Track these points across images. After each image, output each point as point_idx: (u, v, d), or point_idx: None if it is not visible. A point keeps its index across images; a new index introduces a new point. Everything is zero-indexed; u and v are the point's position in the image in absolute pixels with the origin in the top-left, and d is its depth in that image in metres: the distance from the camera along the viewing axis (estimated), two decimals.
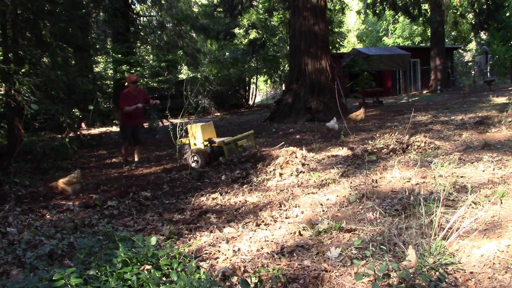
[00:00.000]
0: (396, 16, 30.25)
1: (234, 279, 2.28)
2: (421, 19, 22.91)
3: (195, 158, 6.03)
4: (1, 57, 8.14)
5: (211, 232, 3.24)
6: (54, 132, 8.52)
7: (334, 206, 3.52)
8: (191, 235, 3.22)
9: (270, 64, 21.35)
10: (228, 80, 20.46)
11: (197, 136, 6.23)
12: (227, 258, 2.63)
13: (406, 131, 6.06)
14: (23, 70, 7.18)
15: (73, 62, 10.66)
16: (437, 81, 20.71)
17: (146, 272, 2.10)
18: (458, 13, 24.44)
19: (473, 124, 6.97)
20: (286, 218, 3.39)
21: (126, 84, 7.32)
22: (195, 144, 6.25)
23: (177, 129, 6.07)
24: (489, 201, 3.05)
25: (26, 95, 6.96)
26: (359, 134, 7.48)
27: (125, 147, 7.17)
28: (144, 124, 7.38)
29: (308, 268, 2.38)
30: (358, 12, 36.43)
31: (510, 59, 21.86)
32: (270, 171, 5.02)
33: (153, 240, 2.43)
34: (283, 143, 6.52)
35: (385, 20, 35.10)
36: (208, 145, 6.18)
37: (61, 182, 4.91)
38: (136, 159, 7.17)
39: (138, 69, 17.01)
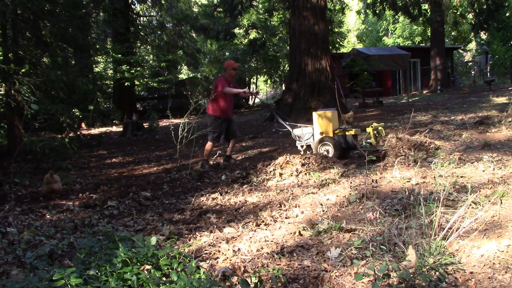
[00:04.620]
0: (396, 16, 30.23)
1: (234, 279, 2.28)
2: (421, 19, 22.89)
3: (326, 147, 5.54)
4: (1, 57, 8.15)
5: (211, 232, 3.24)
6: (54, 132, 8.53)
7: (334, 206, 3.52)
8: (191, 235, 3.22)
9: (270, 64, 21.34)
10: None
11: (326, 124, 5.68)
12: (227, 258, 2.63)
13: (406, 131, 6.05)
14: (23, 70, 7.19)
15: (73, 62, 10.68)
16: (437, 81, 20.70)
17: (146, 272, 2.10)
18: (458, 13, 24.43)
19: (473, 124, 6.97)
20: (286, 218, 3.39)
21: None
22: (321, 133, 5.70)
23: (180, 128, 6.06)
24: (489, 201, 3.04)
25: (26, 95, 6.97)
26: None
27: (213, 144, 6.26)
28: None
29: (308, 268, 2.38)
30: (358, 12, 36.41)
31: (510, 59, 21.86)
32: (270, 171, 5.02)
33: (153, 240, 2.43)
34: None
35: (385, 20, 35.10)
36: (341, 133, 5.60)
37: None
38: (228, 153, 6.40)
39: (138, 69, 17.01)
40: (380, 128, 5.56)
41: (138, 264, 2.20)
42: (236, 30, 23.73)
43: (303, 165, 4.99)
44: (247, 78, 22.81)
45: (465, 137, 6.02)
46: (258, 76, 23.26)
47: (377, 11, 22.70)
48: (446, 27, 24.37)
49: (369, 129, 5.45)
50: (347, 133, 5.55)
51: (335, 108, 6.26)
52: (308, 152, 5.57)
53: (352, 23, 39.69)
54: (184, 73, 30.23)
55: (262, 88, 32.40)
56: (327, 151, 5.52)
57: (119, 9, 15.74)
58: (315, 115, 5.78)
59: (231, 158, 6.33)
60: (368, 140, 5.57)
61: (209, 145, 6.18)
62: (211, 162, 6.39)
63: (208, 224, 3.48)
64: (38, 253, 2.67)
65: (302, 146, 5.98)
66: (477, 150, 5.07)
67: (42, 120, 6.68)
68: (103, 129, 14.90)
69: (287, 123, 6.14)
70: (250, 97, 21.20)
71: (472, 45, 35.82)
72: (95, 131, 14.37)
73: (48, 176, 4.86)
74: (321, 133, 5.68)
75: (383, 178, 4.15)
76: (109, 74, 19.73)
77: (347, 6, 24.37)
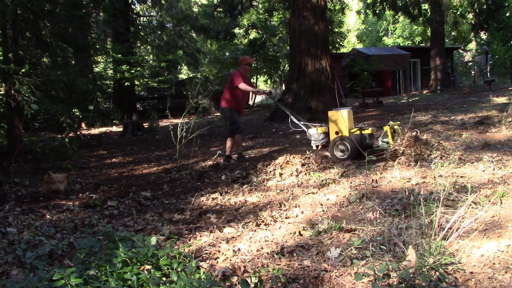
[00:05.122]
0: (396, 16, 30.25)
1: (234, 279, 2.28)
2: (421, 19, 22.91)
3: (342, 147, 5.39)
4: (1, 57, 8.15)
5: (211, 232, 3.24)
6: (54, 132, 8.53)
7: (334, 206, 3.52)
8: (191, 235, 3.22)
9: (270, 64, 21.33)
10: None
11: (341, 123, 5.53)
12: (227, 258, 2.63)
13: (406, 131, 6.05)
14: (23, 70, 7.19)
15: (73, 62, 10.68)
16: (437, 81, 20.71)
17: (146, 272, 2.10)
18: (458, 13, 24.44)
19: (473, 124, 6.97)
20: (286, 218, 3.39)
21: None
22: (337, 133, 5.55)
23: (178, 128, 6.05)
24: (489, 201, 3.04)
25: (26, 95, 6.97)
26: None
27: (240, 134, 6.20)
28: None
29: (308, 268, 2.38)
30: (358, 12, 36.42)
31: (510, 59, 21.87)
32: (270, 171, 5.02)
33: (153, 240, 2.43)
34: None
35: (385, 20, 35.12)
36: (357, 133, 5.43)
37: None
38: (228, 153, 6.31)
39: (138, 69, 17.00)
40: (396, 127, 5.44)
41: (138, 264, 2.20)
42: (236, 30, 23.73)
43: (303, 165, 4.99)
44: None
45: (465, 137, 6.02)
46: (258, 76, 23.25)
47: (377, 11, 22.71)
48: (446, 27, 24.38)
49: (386, 128, 5.34)
50: (363, 132, 5.44)
51: (350, 107, 6.16)
52: (308, 152, 5.56)
53: (352, 23, 39.69)
54: (184, 73, 30.23)
55: (261, 88, 32.42)
56: (343, 151, 5.41)
57: (119, 9, 15.75)
58: (330, 114, 5.64)
59: (231, 158, 6.33)
60: (384, 139, 5.48)
61: (237, 137, 6.14)
62: (212, 161, 6.38)
63: (208, 224, 3.48)
64: (38, 253, 2.67)
65: (317, 146, 5.90)
66: (477, 150, 5.07)
67: (42, 120, 6.69)
68: (103, 129, 14.90)
69: (302, 122, 6.03)
70: (251, 96, 21.25)
71: (472, 45, 35.82)
72: (95, 131, 14.37)
73: (46, 176, 4.87)
74: (337, 133, 5.55)
75: (383, 178, 4.15)
76: (109, 74, 19.73)
77: (347, 6, 24.38)
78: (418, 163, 4.38)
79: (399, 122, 5.73)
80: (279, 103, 6.23)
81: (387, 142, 5.34)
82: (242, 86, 5.87)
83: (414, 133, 4.94)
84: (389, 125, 5.31)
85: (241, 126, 6.18)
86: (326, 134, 5.76)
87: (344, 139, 5.41)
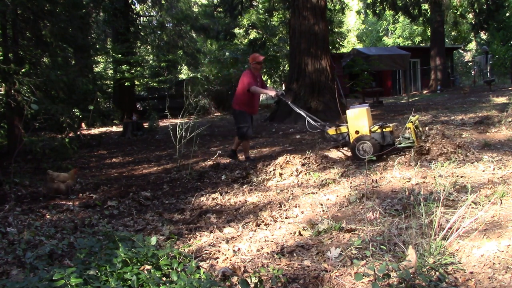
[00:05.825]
0: (396, 16, 30.28)
1: (234, 279, 2.28)
2: (421, 19, 22.92)
3: (365, 146, 5.18)
4: (1, 57, 8.15)
5: (211, 232, 3.24)
6: (54, 132, 8.53)
7: (334, 206, 3.53)
8: (191, 235, 3.22)
9: (270, 64, 21.35)
10: (228, 80, 20.50)
11: (361, 122, 5.30)
12: (227, 258, 2.63)
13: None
14: (23, 70, 7.18)
15: (73, 62, 10.68)
16: (437, 81, 20.72)
17: (146, 272, 2.10)
18: (458, 13, 24.45)
19: (473, 124, 6.97)
20: (286, 218, 3.40)
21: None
22: (357, 132, 5.32)
23: (177, 128, 6.05)
24: (489, 201, 3.04)
25: (26, 95, 6.97)
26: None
27: (246, 141, 6.15)
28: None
29: (308, 268, 2.38)
30: (358, 12, 36.44)
31: (510, 59, 21.89)
32: (270, 171, 5.02)
33: (153, 240, 2.43)
34: None
35: (385, 20, 35.14)
36: (378, 131, 5.26)
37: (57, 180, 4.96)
38: (234, 147, 6.28)
39: (138, 69, 17.01)
40: (417, 123, 5.27)
41: (138, 264, 2.20)
42: (236, 30, 23.76)
43: (303, 165, 4.99)
44: None
45: (465, 137, 6.02)
46: None
47: (377, 11, 22.72)
48: (446, 27, 24.40)
49: (409, 125, 5.15)
50: (384, 130, 5.28)
51: (368, 104, 6.03)
52: (308, 152, 5.56)
53: (352, 23, 39.72)
54: (184, 73, 30.24)
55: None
56: (365, 150, 5.23)
57: (119, 9, 15.75)
58: (349, 113, 5.45)
59: (236, 154, 6.27)
60: (405, 135, 5.36)
61: (244, 143, 6.12)
62: (209, 162, 6.39)
63: (208, 224, 3.48)
64: (38, 253, 2.67)
65: (337, 147, 5.80)
66: (477, 150, 5.07)
67: (42, 120, 6.68)
68: (103, 129, 14.89)
69: (319, 123, 5.92)
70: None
71: (472, 45, 35.83)
72: (95, 131, 14.36)
73: (47, 175, 4.89)
74: (357, 132, 5.35)
75: (383, 178, 4.15)
76: (109, 74, 19.73)
77: (347, 6, 24.40)
78: (419, 163, 4.38)
79: (418, 116, 5.50)
80: (293, 105, 6.10)
81: (408, 138, 5.22)
82: (252, 89, 5.79)
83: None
84: (411, 122, 5.11)
85: (248, 132, 6.04)
86: (346, 134, 5.57)
87: (366, 138, 5.23)
